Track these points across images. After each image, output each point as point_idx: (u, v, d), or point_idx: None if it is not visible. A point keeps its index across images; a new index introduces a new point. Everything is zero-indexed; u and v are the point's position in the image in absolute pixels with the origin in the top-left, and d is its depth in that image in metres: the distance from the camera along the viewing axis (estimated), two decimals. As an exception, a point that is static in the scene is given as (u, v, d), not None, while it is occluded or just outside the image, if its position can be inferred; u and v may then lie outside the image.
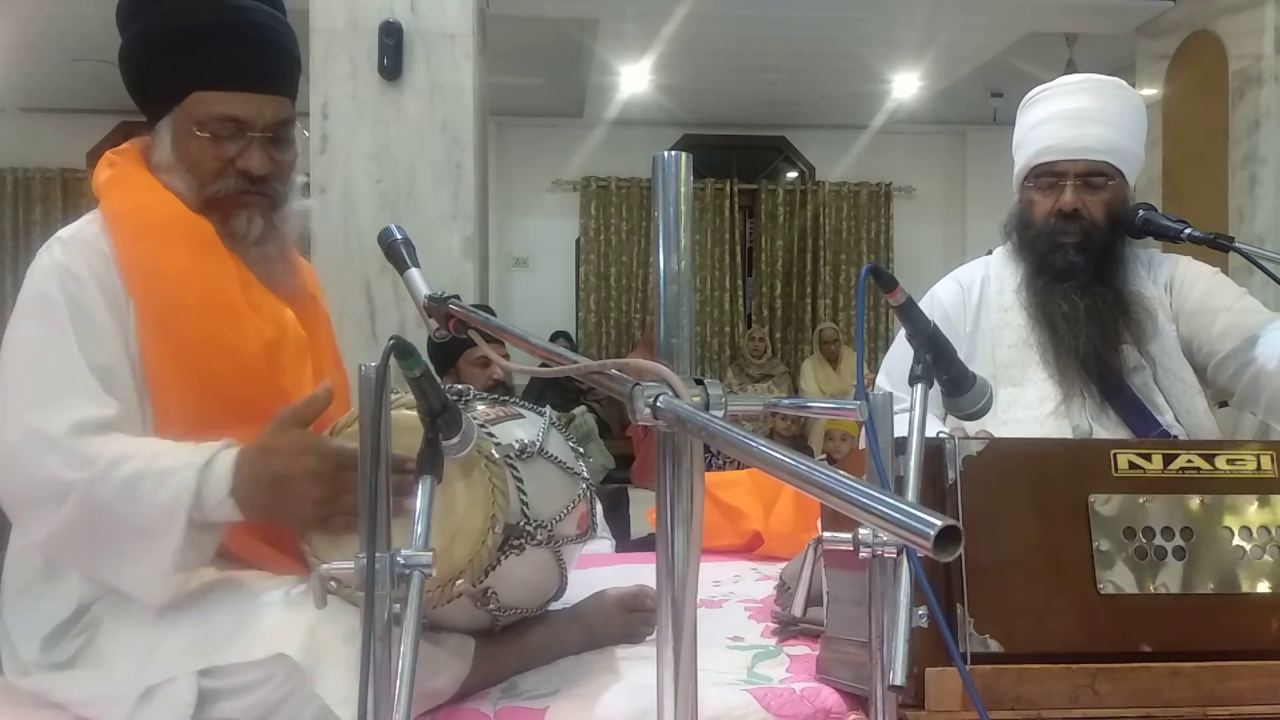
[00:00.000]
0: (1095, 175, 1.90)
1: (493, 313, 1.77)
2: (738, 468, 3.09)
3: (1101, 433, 1.85)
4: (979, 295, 2.04)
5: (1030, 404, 1.91)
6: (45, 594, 1.35)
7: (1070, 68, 5.81)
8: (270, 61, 1.40)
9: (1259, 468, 1.33)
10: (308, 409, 1.31)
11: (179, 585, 1.29)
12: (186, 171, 1.39)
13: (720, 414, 0.85)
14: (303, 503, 1.25)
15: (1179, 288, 1.97)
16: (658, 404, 0.81)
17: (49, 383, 1.29)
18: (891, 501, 0.62)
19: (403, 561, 0.98)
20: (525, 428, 1.42)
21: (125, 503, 1.24)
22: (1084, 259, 1.91)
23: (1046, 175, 1.93)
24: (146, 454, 1.27)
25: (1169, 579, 1.27)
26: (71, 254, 1.34)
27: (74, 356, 1.30)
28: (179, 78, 1.37)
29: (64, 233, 1.38)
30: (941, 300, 2.05)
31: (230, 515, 1.27)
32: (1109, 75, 2.00)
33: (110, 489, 1.24)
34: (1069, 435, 1.85)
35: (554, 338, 7.99)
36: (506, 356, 2.47)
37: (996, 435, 1.56)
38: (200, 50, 1.36)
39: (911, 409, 1.07)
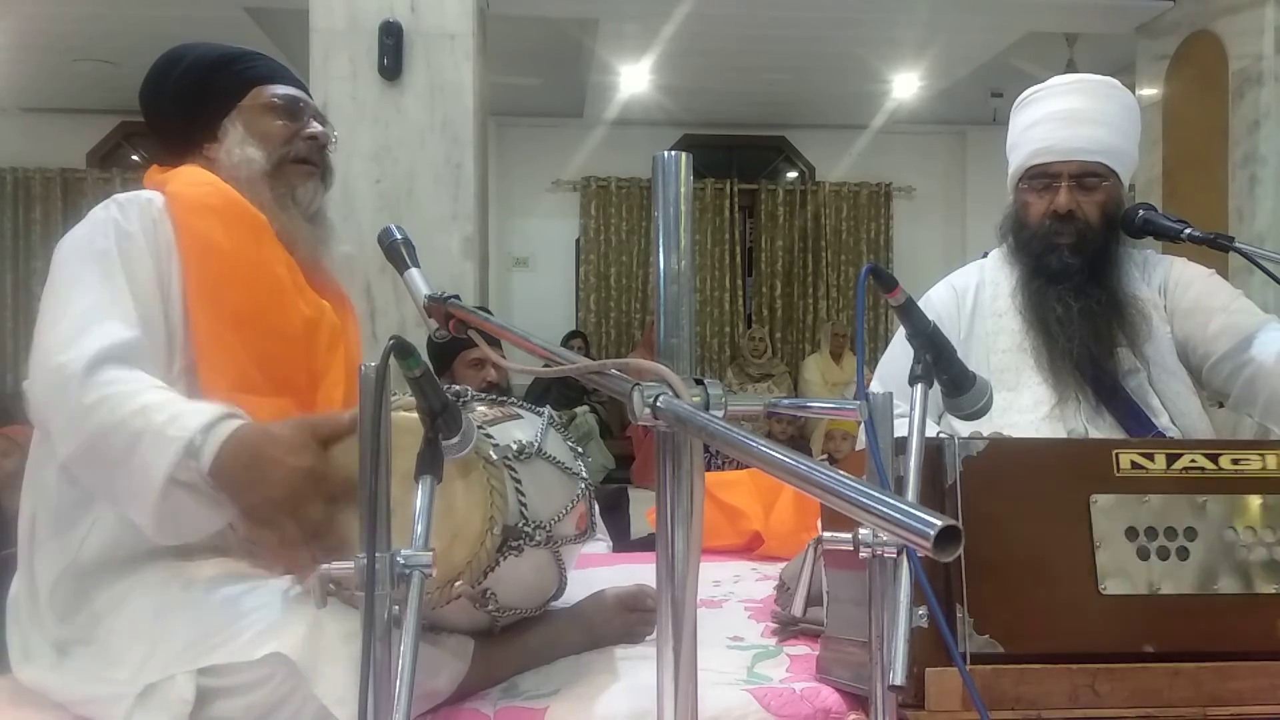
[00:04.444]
0: (1089, 176, 1.90)
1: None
2: (738, 468, 3.09)
3: (1096, 435, 1.84)
4: (973, 301, 2.04)
5: (1025, 408, 1.91)
6: (43, 543, 1.38)
7: (1070, 68, 5.81)
8: (302, 81, 1.67)
9: (1265, 467, 1.31)
10: (329, 426, 1.32)
11: (177, 520, 1.30)
12: (263, 142, 1.57)
13: (720, 414, 0.85)
14: (276, 490, 1.25)
15: (1173, 289, 1.96)
16: (658, 404, 0.81)
17: (80, 320, 1.34)
18: (891, 501, 0.62)
19: (403, 562, 0.98)
20: (523, 428, 1.42)
21: (127, 437, 1.26)
22: (1079, 260, 1.91)
23: (1041, 176, 1.93)
24: (157, 401, 1.29)
25: (1173, 579, 1.26)
26: (126, 212, 1.44)
27: (110, 290, 1.36)
28: (243, 79, 1.59)
29: (120, 196, 1.48)
30: (935, 306, 2.05)
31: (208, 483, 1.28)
32: (1109, 75, 1.99)
33: (116, 418, 1.26)
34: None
35: (569, 338, 7.98)
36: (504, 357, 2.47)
37: None
38: (255, 60, 1.62)
39: (911, 409, 1.07)
